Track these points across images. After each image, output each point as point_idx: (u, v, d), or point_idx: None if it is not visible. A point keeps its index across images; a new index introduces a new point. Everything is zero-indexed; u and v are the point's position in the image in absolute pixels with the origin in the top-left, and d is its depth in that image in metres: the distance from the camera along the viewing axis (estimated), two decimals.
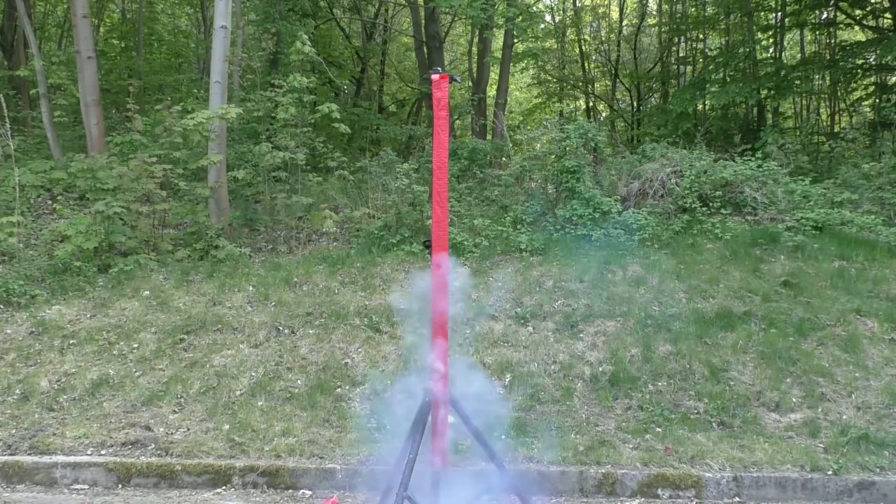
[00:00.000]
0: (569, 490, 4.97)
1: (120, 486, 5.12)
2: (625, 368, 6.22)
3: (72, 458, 5.20)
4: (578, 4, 20.56)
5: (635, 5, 20.58)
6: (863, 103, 15.80)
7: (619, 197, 9.24)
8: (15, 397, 5.95)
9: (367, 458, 5.12)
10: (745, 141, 12.81)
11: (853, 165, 10.65)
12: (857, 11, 14.48)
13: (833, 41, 16.37)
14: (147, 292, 7.41)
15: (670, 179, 9.47)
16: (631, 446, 5.31)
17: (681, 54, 18.97)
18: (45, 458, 5.20)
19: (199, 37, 17.30)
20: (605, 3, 21.06)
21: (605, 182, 9.69)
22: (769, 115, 15.43)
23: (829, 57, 15.57)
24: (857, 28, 15.82)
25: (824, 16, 15.86)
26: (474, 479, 4.77)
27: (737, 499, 4.90)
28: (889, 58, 13.07)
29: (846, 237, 8.37)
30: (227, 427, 5.54)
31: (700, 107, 16.52)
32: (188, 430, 5.55)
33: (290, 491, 5.01)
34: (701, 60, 18.05)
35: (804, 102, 16.94)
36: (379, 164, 10.20)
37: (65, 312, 7.06)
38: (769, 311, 6.84)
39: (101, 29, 16.78)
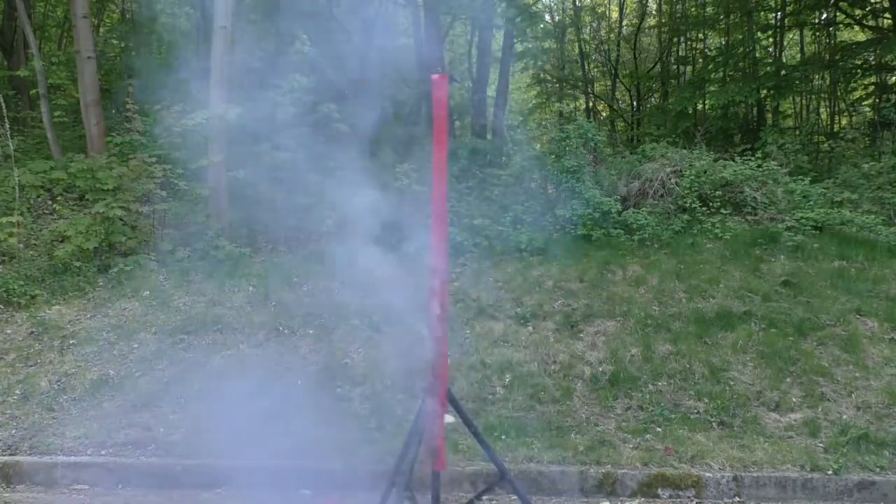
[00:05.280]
0: (569, 490, 4.97)
1: (120, 486, 5.12)
2: (625, 368, 6.22)
3: (72, 458, 5.20)
4: (578, 4, 20.54)
5: (635, 5, 20.57)
6: (863, 103, 15.79)
7: (619, 197, 9.24)
8: (15, 397, 5.95)
9: (367, 458, 5.12)
10: (745, 141, 12.81)
11: (853, 165, 10.66)
12: (857, 11, 14.48)
13: (833, 41, 16.36)
14: (147, 292, 7.41)
15: (670, 179, 9.47)
16: (631, 446, 5.31)
17: (680, 54, 18.95)
18: (45, 458, 5.20)
19: (200, 37, 17.27)
20: (605, 3, 21.04)
21: (605, 182, 9.69)
22: (769, 115, 15.43)
23: (828, 57, 15.56)
24: (857, 28, 15.81)
25: (824, 16, 15.85)
26: (474, 478, 4.78)
27: (737, 498, 4.90)
28: (889, 58, 13.08)
29: (846, 237, 8.37)
30: (227, 427, 5.53)
31: (700, 106, 16.52)
32: (188, 430, 5.55)
33: (291, 491, 5.01)
34: (701, 60, 18.05)
35: (804, 102, 16.93)
36: (378, 163, 10.19)
37: (65, 312, 7.06)
38: (769, 311, 6.84)
39: (101, 29, 16.76)
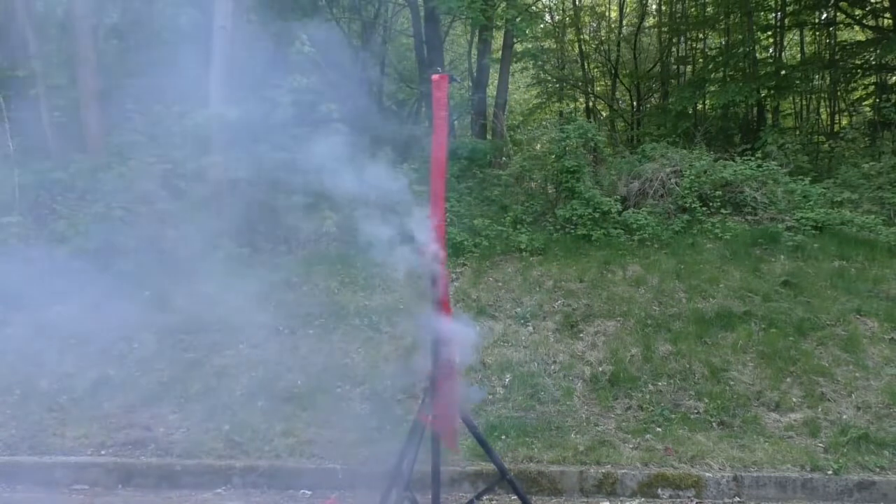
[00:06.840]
0: (569, 490, 4.98)
1: (120, 486, 5.11)
2: (625, 368, 6.22)
3: (72, 458, 5.20)
4: (578, 4, 20.54)
5: (635, 5, 20.56)
6: (863, 103, 15.80)
7: (619, 197, 9.25)
8: (15, 397, 5.95)
9: (367, 458, 5.12)
10: (745, 141, 12.82)
11: (853, 165, 10.67)
12: (857, 11, 14.49)
13: (833, 41, 16.37)
14: (147, 292, 7.40)
15: (670, 179, 9.48)
16: (631, 446, 5.31)
17: (680, 54, 18.95)
18: (45, 458, 5.20)
19: (200, 37, 17.24)
20: (605, 3, 21.04)
21: (605, 182, 9.69)
22: (769, 115, 15.44)
23: (828, 57, 15.57)
24: (857, 28, 15.81)
25: (824, 16, 15.86)
26: (474, 478, 4.78)
27: (737, 498, 4.90)
28: (889, 58, 13.08)
29: (846, 237, 8.38)
30: (227, 427, 5.53)
31: (700, 106, 16.53)
32: (188, 430, 5.55)
33: (291, 491, 5.01)
34: (701, 60, 18.06)
35: (804, 102, 16.93)
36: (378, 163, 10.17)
37: (65, 312, 7.05)
38: (769, 311, 6.84)
39: (101, 29, 16.73)
